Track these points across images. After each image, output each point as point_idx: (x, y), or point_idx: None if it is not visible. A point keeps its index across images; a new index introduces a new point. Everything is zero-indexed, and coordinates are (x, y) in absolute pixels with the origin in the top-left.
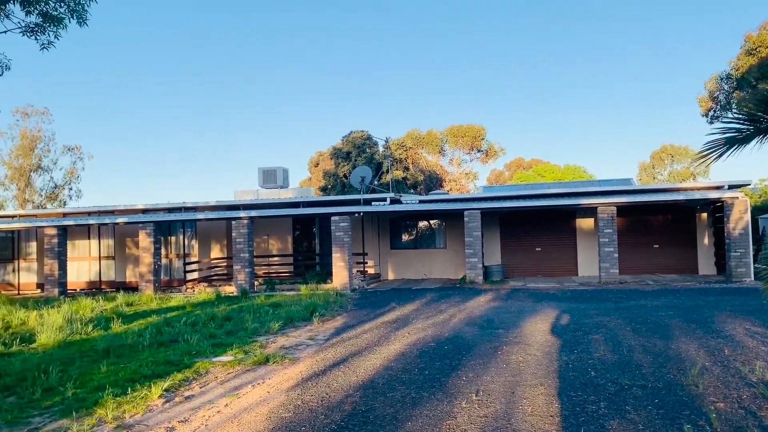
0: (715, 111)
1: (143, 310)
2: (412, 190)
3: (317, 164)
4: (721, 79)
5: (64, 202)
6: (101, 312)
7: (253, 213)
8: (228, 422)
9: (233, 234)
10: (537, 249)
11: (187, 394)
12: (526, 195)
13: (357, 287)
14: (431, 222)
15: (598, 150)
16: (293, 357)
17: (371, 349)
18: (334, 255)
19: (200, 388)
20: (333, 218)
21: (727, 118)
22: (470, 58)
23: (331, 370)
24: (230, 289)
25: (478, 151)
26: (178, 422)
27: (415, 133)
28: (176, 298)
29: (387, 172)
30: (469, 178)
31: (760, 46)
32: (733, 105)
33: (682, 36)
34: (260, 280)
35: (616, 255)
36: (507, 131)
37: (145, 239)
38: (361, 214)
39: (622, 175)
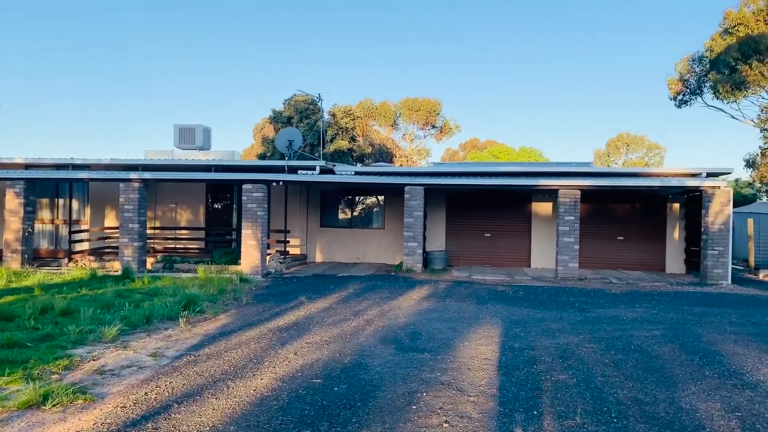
0: (684, 95)
1: None
2: (359, 164)
3: (262, 130)
4: (693, 60)
5: None
6: None
7: (147, 175)
8: None
9: (120, 199)
10: (486, 235)
11: None
12: (477, 172)
13: (273, 271)
14: (369, 198)
15: (555, 135)
16: (93, 394)
17: (222, 387)
18: (243, 231)
19: None
20: (245, 186)
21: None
22: (428, 31)
23: None
24: (118, 266)
25: (433, 126)
26: None
27: (368, 103)
28: (39, 275)
29: (331, 141)
30: (422, 155)
31: (739, 24)
32: (707, 87)
33: (652, 16)
34: (159, 256)
35: (577, 247)
36: (463, 110)
37: (13, 200)
38: (281, 183)
39: (580, 160)
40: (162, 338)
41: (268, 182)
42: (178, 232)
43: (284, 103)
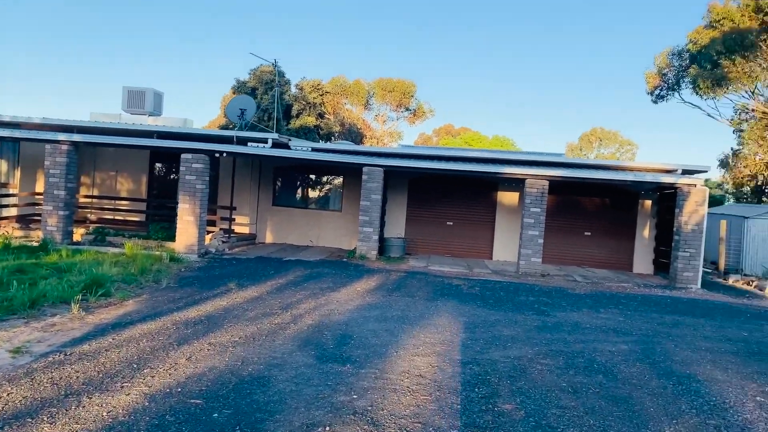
0: (661, 89)
1: None
2: (328, 142)
3: (228, 101)
4: (673, 55)
5: None
6: None
7: (76, 137)
8: None
9: (46, 163)
10: (448, 223)
11: None
12: (441, 156)
13: (214, 250)
14: (327, 178)
15: (530, 126)
16: None
17: (71, 403)
18: (180, 206)
19: None
20: (183, 156)
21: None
22: (408, 15)
23: None
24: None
25: (407, 109)
26: None
27: (340, 80)
28: None
29: (297, 116)
30: (394, 137)
31: (724, 18)
32: (686, 82)
33: (635, 10)
34: (92, 227)
35: (541, 241)
36: (439, 95)
37: None
38: (224, 154)
39: (551, 151)
40: (42, 328)
41: (210, 153)
42: (117, 202)
43: (249, 74)
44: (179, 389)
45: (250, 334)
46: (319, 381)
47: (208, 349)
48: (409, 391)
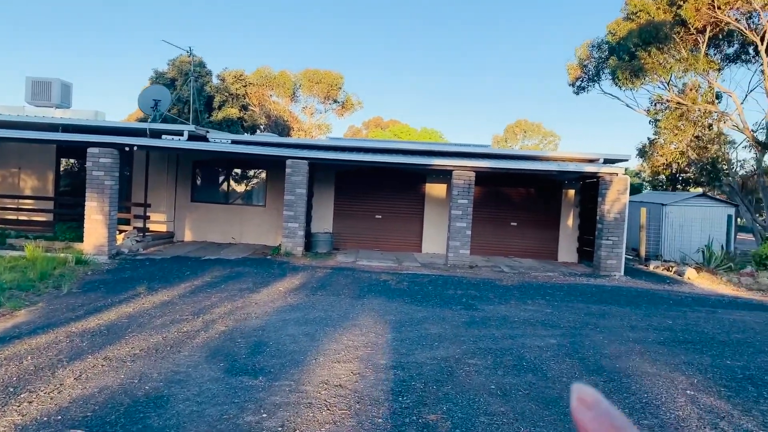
0: (582, 81)
1: None
2: (251, 135)
3: None
4: (593, 47)
5: None
6: None
7: None
8: None
9: None
10: (377, 216)
11: None
12: (369, 148)
13: (127, 251)
14: (250, 171)
15: (458, 119)
16: None
17: None
18: (88, 204)
19: None
20: (90, 150)
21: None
22: (331, 3)
23: None
24: None
25: (335, 101)
26: None
27: (265, 71)
28: None
29: (219, 108)
30: (323, 130)
31: (640, 11)
32: (606, 73)
33: (557, 3)
34: None
35: (469, 233)
36: (367, 88)
37: None
38: (135, 147)
39: (479, 143)
40: None
41: (120, 146)
42: (20, 201)
43: (168, 64)
44: (59, 417)
45: (153, 345)
46: (226, 398)
47: (102, 365)
48: (327, 406)
